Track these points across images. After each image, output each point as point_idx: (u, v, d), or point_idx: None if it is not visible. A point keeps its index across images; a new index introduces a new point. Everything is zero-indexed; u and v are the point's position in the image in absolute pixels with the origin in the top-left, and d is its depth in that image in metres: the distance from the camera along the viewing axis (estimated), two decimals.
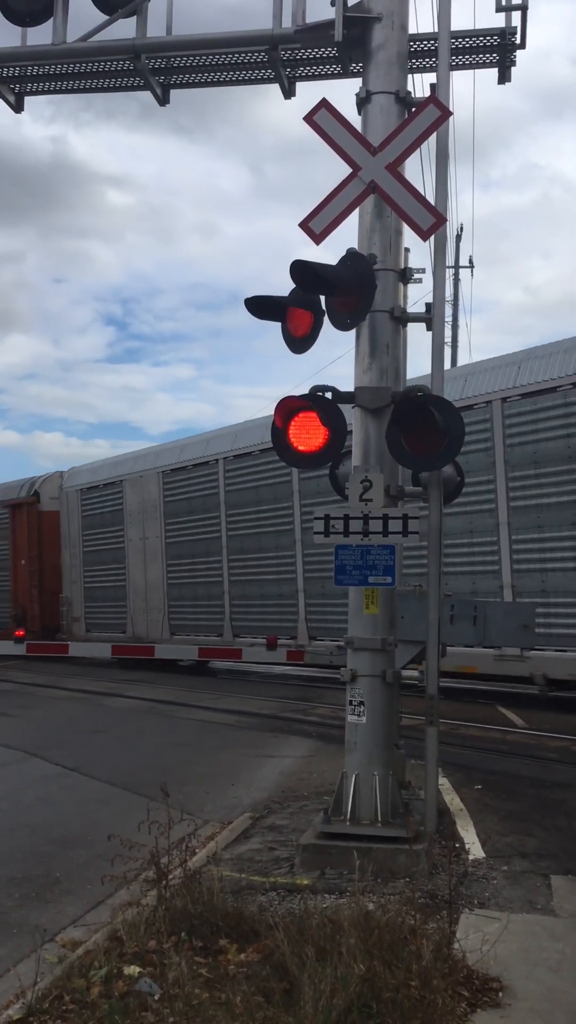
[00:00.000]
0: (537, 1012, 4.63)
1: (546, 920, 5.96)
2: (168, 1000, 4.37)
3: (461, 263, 36.30)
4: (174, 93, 9.52)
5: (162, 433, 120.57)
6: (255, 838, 8.01)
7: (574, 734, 12.95)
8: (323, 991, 4.25)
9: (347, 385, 7.71)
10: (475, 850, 7.49)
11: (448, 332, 34.90)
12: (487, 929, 5.60)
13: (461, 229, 47.97)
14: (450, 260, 35.76)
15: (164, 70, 9.19)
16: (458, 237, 36.28)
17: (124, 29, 8.85)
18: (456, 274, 35.97)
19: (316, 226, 7.33)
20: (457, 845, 7.58)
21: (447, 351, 35.33)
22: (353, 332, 7.63)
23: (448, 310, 36.05)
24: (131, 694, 18.87)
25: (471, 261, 36.94)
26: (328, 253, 7.43)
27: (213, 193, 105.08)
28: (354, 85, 7.99)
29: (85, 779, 10.81)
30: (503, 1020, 4.55)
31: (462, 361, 35.38)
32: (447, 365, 33.89)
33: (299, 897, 6.09)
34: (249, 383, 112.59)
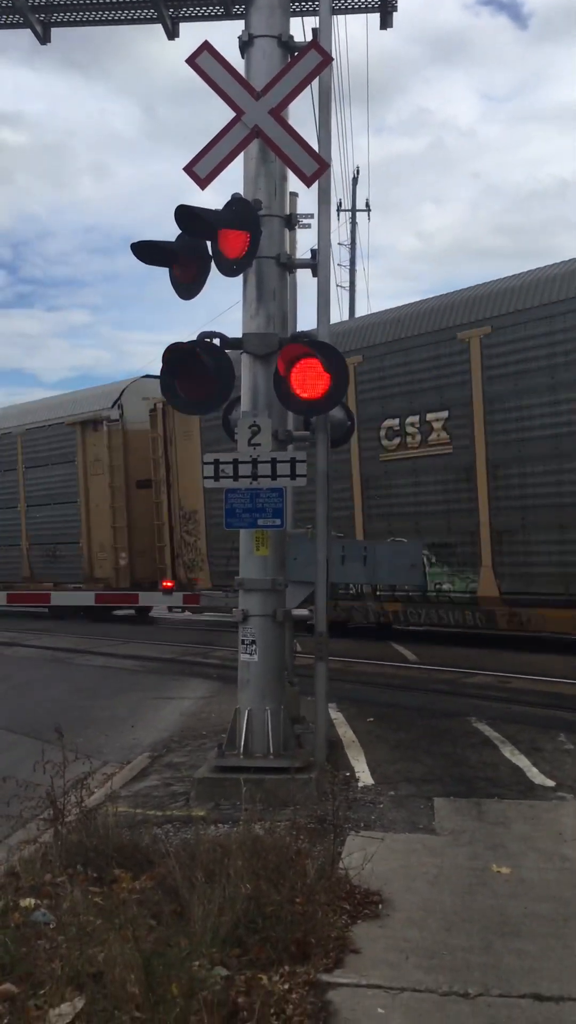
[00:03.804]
0: (412, 920, 4.96)
1: (427, 838, 6.33)
2: (62, 927, 4.54)
3: (358, 206, 36.22)
4: (61, 31, 9.32)
5: (59, 380, 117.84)
6: (153, 776, 8.22)
7: (462, 666, 13.51)
8: (211, 911, 4.48)
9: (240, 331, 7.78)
10: (364, 777, 7.85)
11: (345, 277, 34.98)
12: (371, 849, 5.91)
13: (357, 172, 47.57)
14: (347, 203, 35.67)
15: (44, 7, 9.00)
16: (354, 180, 36.21)
17: None
18: (353, 217, 35.99)
19: (201, 170, 7.34)
20: (347, 774, 7.91)
21: (345, 296, 35.42)
22: (243, 278, 7.70)
23: (345, 254, 36.07)
24: (31, 643, 18.83)
25: (368, 205, 36.81)
26: (221, 199, 7.42)
27: (106, 134, 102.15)
28: (238, 28, 7.97)
29: None
30: (381, 929, 4.86)
31: (360, 307, 35.55)
32: (345, 311, 34.04)
33: (193, 827, 6.31)
34: (146, 328, 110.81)
